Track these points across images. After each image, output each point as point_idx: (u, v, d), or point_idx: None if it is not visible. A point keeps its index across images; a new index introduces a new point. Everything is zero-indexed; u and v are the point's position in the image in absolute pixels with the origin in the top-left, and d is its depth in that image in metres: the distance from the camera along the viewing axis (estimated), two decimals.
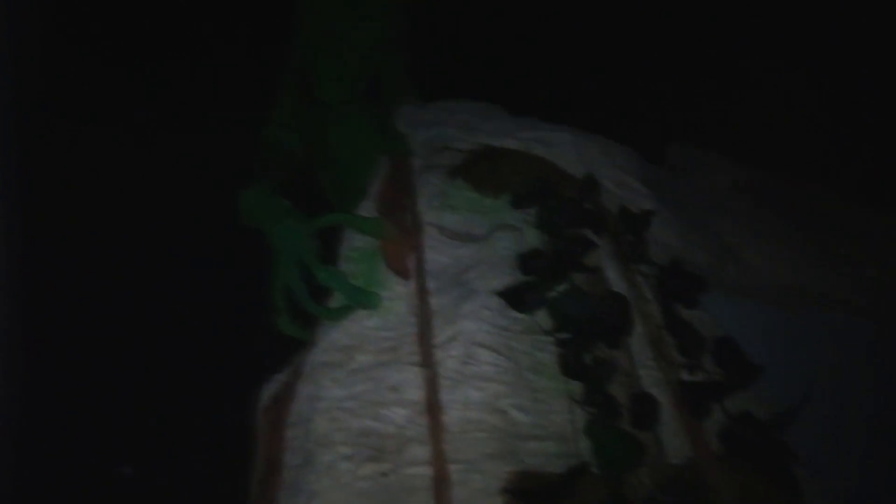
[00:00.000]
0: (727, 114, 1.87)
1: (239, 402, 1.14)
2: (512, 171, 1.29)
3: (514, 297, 1.09)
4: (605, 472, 0.91)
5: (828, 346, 1.40)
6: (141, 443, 1.37)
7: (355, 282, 1.14)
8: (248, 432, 1.09)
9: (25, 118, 1.43)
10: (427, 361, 1.02)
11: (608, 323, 1.08)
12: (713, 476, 0.99)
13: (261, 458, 1.03)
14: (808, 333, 1.40)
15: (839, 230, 1.61)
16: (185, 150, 1.66)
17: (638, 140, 1.59)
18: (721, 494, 0.98)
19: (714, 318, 1.20)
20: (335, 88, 1.43)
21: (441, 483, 0.92)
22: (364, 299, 1.08)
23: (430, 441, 0.96)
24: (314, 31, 1.46)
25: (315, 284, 1.15)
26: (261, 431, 1.06)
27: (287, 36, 1.49)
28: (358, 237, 1.23)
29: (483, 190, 1.28)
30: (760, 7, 1.86)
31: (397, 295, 1.11)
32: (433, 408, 0.98)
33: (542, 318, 1.10)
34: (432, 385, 1.00)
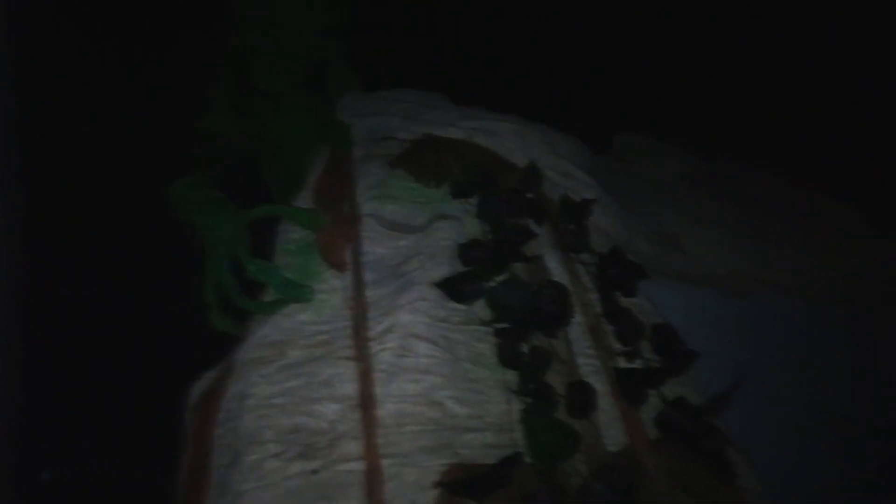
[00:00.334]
0: (676, 105, 1.88)
1: (169, 401, 1.10)
2: (453, 161, 1.28)
3: (453, 288, 1.08)
4: (538, 461, 0.91)
5: (767, 329, 1.43)
6: (69, 443, 1.32)
7: (291, 275, 1.11)
8: (177, 432, 1.05)
9: (25, 118, 1.41)
10: (361, 355, 1.00)
11: (546, 312, 1.07)
12: (648, 462, 0.99)
13: (188, 457, 1.00)
14: (749, 318, 1.42)
15: (781, 216, 1.64)
16: (123, 141, 1.60)
17: (587, 130, 1.59)
18: (656, 480, 0.98)
19: (653, 306, 1.20)
20: (275, 77, 1.39)
21: (373, 478, 0.90)
22: (296, 293, 1.05)
23: (363, 436, 0.94)
24: (253, 16, 1.41)
25: (250, 278, 1.11)
26: (189, 430, 1.03)
27: (223, 22, 1.44)
28: (295, 229, 1.20)
29: (424, 180, 1.26)
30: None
31: (332, 288, 1.09)
32: (367, 402, 0.96)
33: (482, 308, 1.09)
34: (366, 379, 0.98)
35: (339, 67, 1.50)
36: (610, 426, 1.02)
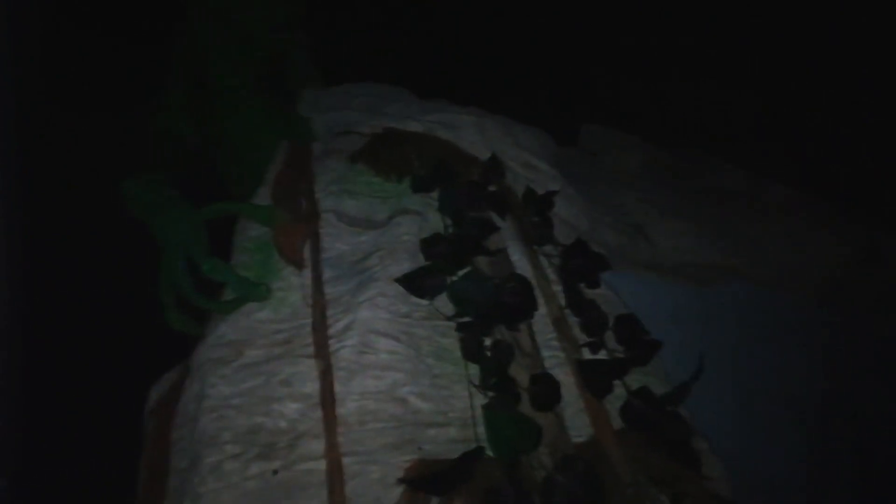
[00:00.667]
0: (641, 96, 1.89)
1: (128, 404, 1.07)
2: (414, 155, 1.26)
3: (414, 283, 1.06)
4: (499, 455, 0.90)
5: (733, 318, 1.44)
6: (25, 446, 1.29)
7: (248, 273, 1.09)
8: (136, 435, 1.03)
9: (25, 118, 1.39)
10: (321, 353, 0.99)
11: (509, 306, 1.06)
12: (613, 452, 0.99)
13: (147, 461, 0.97)
14: (714, 307, 1.43)
15: (747, 205, 1.65)
16: (76, 139, 1.56)
17: (552, 122, 1.59)
18: (621, 470, 0.98)
19: (617, 296, 1.21)
20: (230, 72, 1.36)
21: (335, 477, 0.89)
22: (252, 291, 1.03)
23: (324, 434, 0.92)
24: (206, 11, 1.38)
25: (207, 277, 1.09)
26: (148, 434, 1.00)
27: (176, 16, 1.40)
28: (253, 227, 1.17)
29: (385, 174, 1.24)
30: None
31: (291, 285, 1.07)
32: (327, 400, 0.94)
33: (445, 303, 1.08)
34: (327, 377, 0.96)
35: (297, 62, 1.47)
36: (575, 418, 1.02)
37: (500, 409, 0.96)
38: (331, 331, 1.01)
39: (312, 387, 0.96)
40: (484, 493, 0.88)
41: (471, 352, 1.02)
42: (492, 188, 1.25)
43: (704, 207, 1.64)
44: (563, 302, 1.15)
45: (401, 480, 0.89)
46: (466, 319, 1.05)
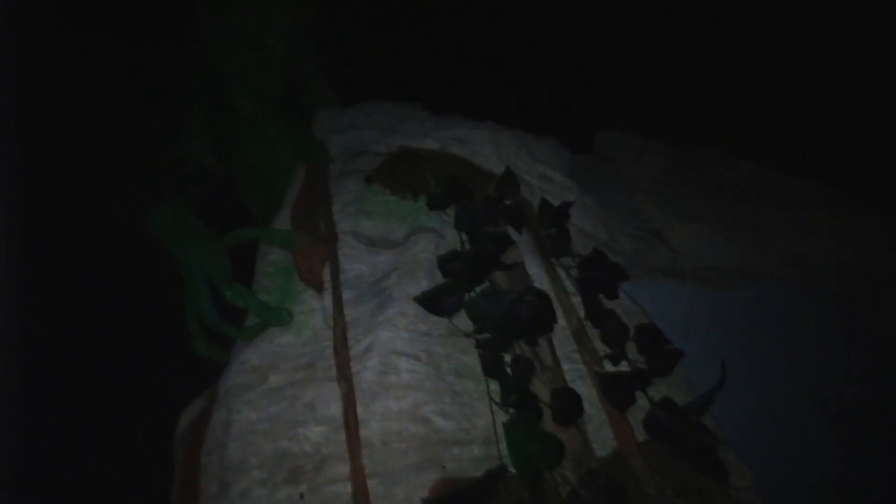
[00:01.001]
0: (653, 98, 1.88)
1: (159, 430, 1.10)
2: (429, 173, 1.27)
3: (432, 302, 1.07)
4: (522, 472, 0.91)
5: (756, 320, 1.42)
6: (60, 472, 1.32)
7: (270, 298, 1.11)
8: (168, 461, 1.05)
9: (25, 118, 1.38)
10: (343, 375, 1.00)
11: (527, 320, 1.07)
12: (637, 465, 0.99)
13: (178, 487, 1.00)
14: (737, 310, 1.41)
15: (764, 203, 1.63)
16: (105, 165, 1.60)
17: (567, 130, 1.59)
18: (645, 482, 0.98)
19: (637, 306, 1.20)
20: (248, 97, 1.39)
21: (360, 498, 0.90)
22: (274, 316, 1.05)
23: (348, 457, 0.94)
24: (222, 38, 1.41)
25: (231, 303, 1.11)
26: (178, 460, 1.03)
27: (193, 43, 1.44)
28: (273, 251, 1.20)
29: (401, 193, 1.26)
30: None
31: (311, 308, 1.09)
32: (351, 422, 0.96)
33: (464, 320, 1.09)
34: (349, 399, 0.98)
35: (313, 84, 1.49)
36: (597, 431, 1.02)
37: (521, 425, 0.97)
38: (352, 352, 1.03)
39: (336, 409, 0.98)
40: None
41: (491, 368, 1.03)
42: (507, 202, 1.26)
43: (723, 208, 1.63)
44: (582, 314, 1.15)
45: (425, 501, 0.90)
46: (485, 336, 1.06)
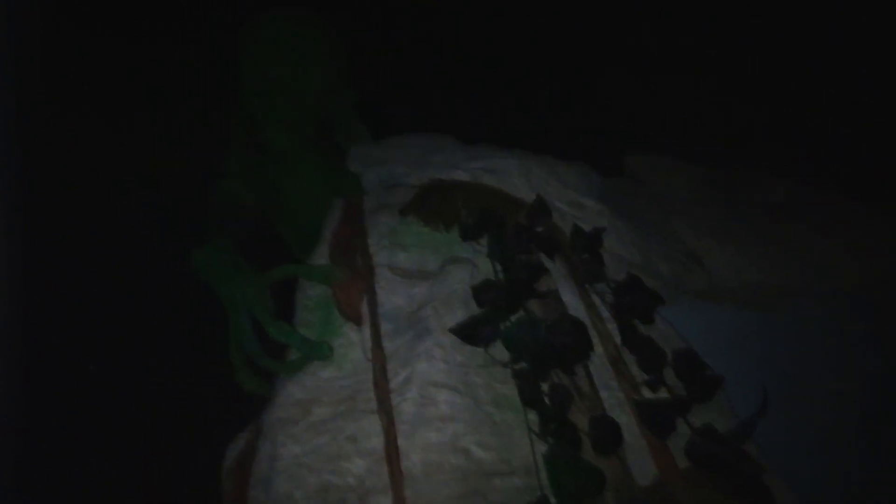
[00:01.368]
0: (683, 117, 1.88)
1: (207, 463, 1.14)
2: (461, 204, 1.30)
3: (468, 332, 1.09)
4: (564, 503, 0.91)
5: (796, 340, 1.40)
6: None
7: (310, 332, 1.14)
8: (216, 495, 1.08)
9: (25, 118, 1.40)
10: (383, 408, 1.02)
11: (564, 349, 1.07)
12: (680, 493, 0.98)
13: None
14: (775, 330, 1.39)
15: (799, 219, 1.60)
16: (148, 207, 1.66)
17: (596, 154, 1.60)
18: None
19: (674, 331, 1.19)
20: (283, 136, 1.44)
21: None
22: (315, 351, 1.08)
23: (391, 489, 0.95)
24: (258, 80, 1.47)
25: (272, 338, 1.15)
26: (226, 494, 1.06)
27: (232, 87, 1.50)
28: (313, 285, 1.23)
29: (434, 224, 1.28)
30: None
31: (351, 342, 1.11)
32: (392, 455, 0.98)
33: (500, 349, 1.10)
34: (390, 432, 1.00)
35: (345, 120, 1.54)
36: (638, 460, 1.01)
37: (561, 455, 0.97)
38: (391, 385, 1.05)
39: (377, 442, 1.00)
40: None
41: (529, 398, 1.04)
42: (539, 230, 1.27)
43: (758, 227, 1.61)
44: (618, 340, 1.15)
45: None
46: (522, 365, 1.07)
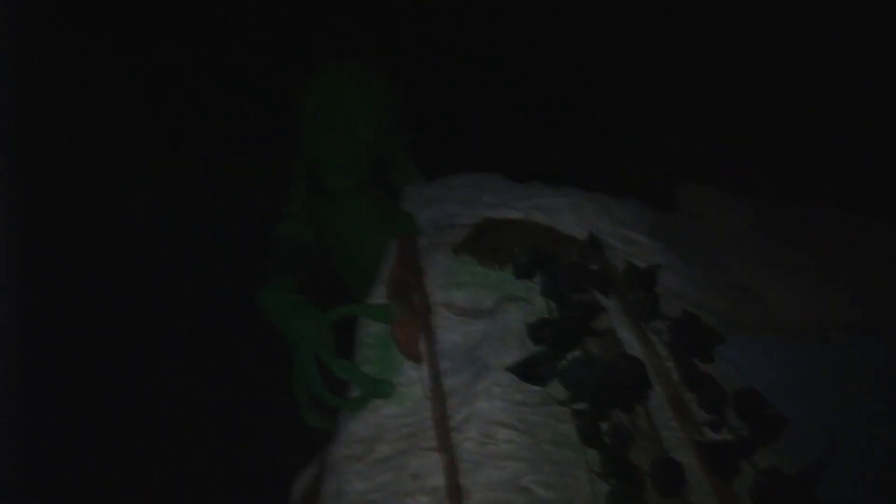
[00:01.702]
0: (729, 149, 1.87)
1: (274, 498, 1.17)
2: (515, 241, 1.32)
3: (526, 371, 1.10)
4: None
5: (859, 375, 1.36)
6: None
7: (370, 369, 1.17)
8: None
9: (25, 118, 1.41)
10: (445, 445, 1.04)
11: (623, 388, 1.08)
12: None
13: None
14: (837, 365, 1.36)
15: (858, 251, 1.57)
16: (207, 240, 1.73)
17: (645, 188, 1.61)
18: None
19: (734, 369, 1.18)
20: (341, 178, 1.50)
21: None
22: (377, 388, 1.11)
23: None
24: (318, 126, 1.54)
25: (334, 376, 1.18)
26: None
27: (294, 132, 1.58)
28: (371, 323, 1.27)
29: (488, 263, 1.31)
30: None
31: (411, 379, 1.14)
32: (455, 493, 0.99)
33: (558, 388, 1.11)
34: (452, 470, 1.01)
35: (399, 162, 1.60)
36: (702, 502, 1.00)
37: (623, 496, 0.97)
38: (452, 423, 1.07)
39: (439, 479, 1.01)
40: None
41: (588, 438, 1.04)
42: (593, 267, 1.28)
43: (815, 260, 1.58)
44: (677, 379, 1.14)
45: None
46: (581, 404, 1.07)
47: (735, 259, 1.54)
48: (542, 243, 1.29)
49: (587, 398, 1.07)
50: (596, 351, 1.15)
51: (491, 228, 1.35)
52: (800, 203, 1.75)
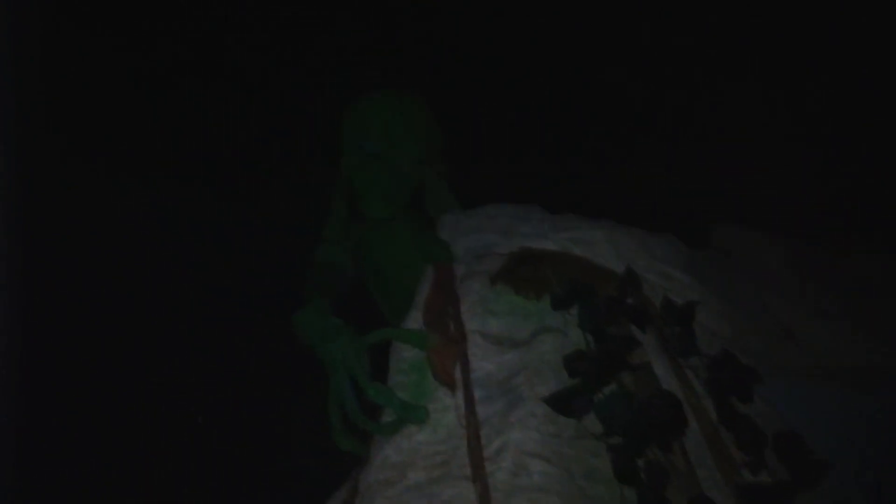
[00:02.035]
0: (767, 189, 1.86)
1: None
2: (552, 273, 1.32)
3: (561, 403, 1.10)
4: None
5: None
6: None
7: (404, 394, 1.18)
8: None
9: (25, 118, 1.42)
10: (478, 474, 1.03)
11: (659, 424, 1.06)
12: None
13: None
14: (878, 413, 1.32)
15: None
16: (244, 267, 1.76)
17: (682, 225, 1.60)
18: None
19: (774, 411, 1.16)
20: (380, 205, 1.53)
21: None
22: (412, 414, 1.11)
23: None
24: (357, 154, 1.58)
25: (369, 400, 1.19)
26: None
27: (333, 159, 1.61)
28: (406, 348, 1.27)
29: (524, 293, 1.31)
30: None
31: (445, 406, 1.14)
32: None
33: (593, 421, 1.10)
34: (485, 499, 1.00)
35: (435, 190, 1.62)
36: None
37: None
38: (485, 452, 1.06)
39: None
40: None
41: (624, 473, 1.03)
42: (630, 301, 1.28)
43: (856, 303, 1.55)
44: (714, 417, 1.13)
45: None
46: (616, 439, 1.06)
47: (772, 300, 1.52)
48: (579, 275, 1.29)
49: (622, 433, 1.06)
50: (631, 385, 1.14)
51: (528, 259, 1.36)
52: (837, 245, 1.73)
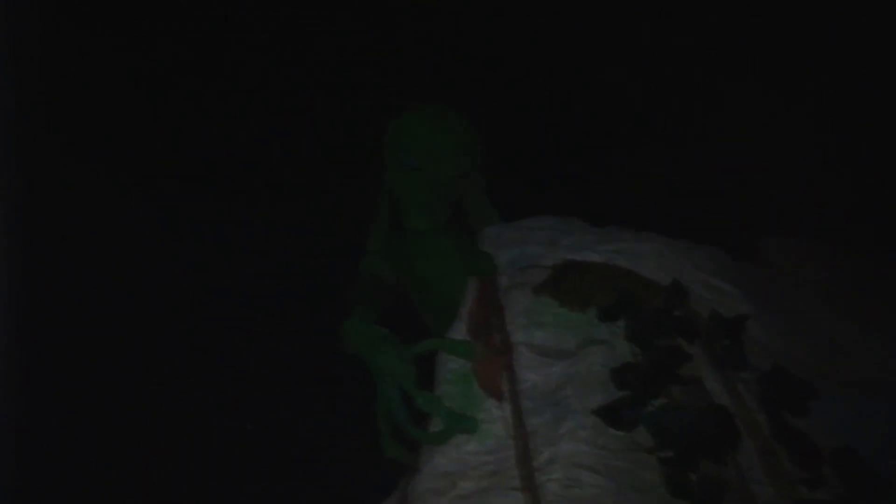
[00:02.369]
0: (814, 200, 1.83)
1: None
2: (597, 284, 1.32)
3: (611, 415, 1.09)
4: None
5: None
6: None
7: (452, 404, 1.18)
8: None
9: (25, 118, 1.42)
10: (529, 486, 1.03)
11: (711, 437, 1.05)
12: None
13: None
14: None
15: None
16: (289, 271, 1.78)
17: (730, 237, 1.59)
18: None
19: (831, 425, 1.14)
20: (422, 217, 1.55)
21: None
22: (463, 424, 1.12)
23: None
24: (400, 167, 1.60)
25: (416, 408, 1.20)
26: None
27: (378, 172, 1.64)
28: (452, 359, 1.28)
29: (570, 304, 1.31)
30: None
31: (493, 417, 1.14)
32: None
33: (643, 434, 1.09)
34: None
35: (477, 203, 1.64)
36: None
37: None
38: (535, 463, 1.06)
39: None
40: None
41: (677, 487, 1.02)
42: (677, 313, 1.27)
43: None
44: (767, 432, 1.11)
45: None
46: (668, 453, 1.05)
47: (821, 312, 1.49)
48: (625, 287, 1.29)
49: (674, 446, 1.05)
50: (681, 399, 1.13)
51: (573, 270, 1.36)
52: (885, 256, 1.69)
